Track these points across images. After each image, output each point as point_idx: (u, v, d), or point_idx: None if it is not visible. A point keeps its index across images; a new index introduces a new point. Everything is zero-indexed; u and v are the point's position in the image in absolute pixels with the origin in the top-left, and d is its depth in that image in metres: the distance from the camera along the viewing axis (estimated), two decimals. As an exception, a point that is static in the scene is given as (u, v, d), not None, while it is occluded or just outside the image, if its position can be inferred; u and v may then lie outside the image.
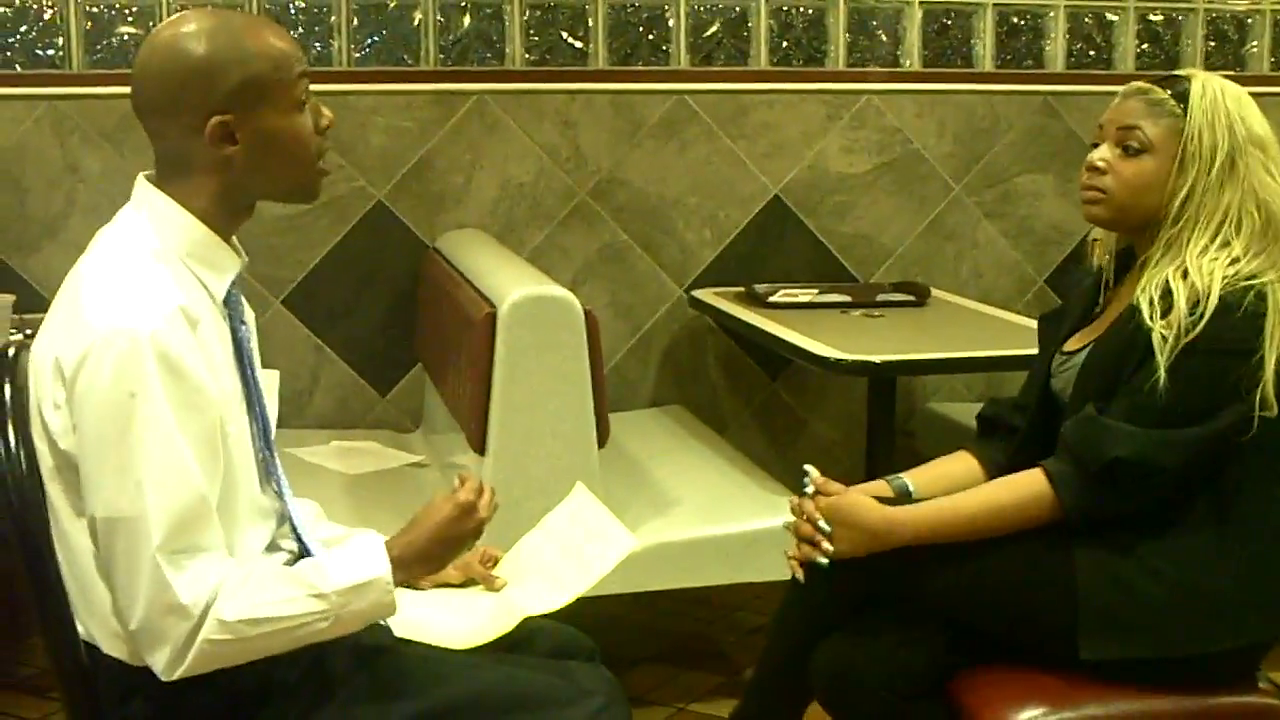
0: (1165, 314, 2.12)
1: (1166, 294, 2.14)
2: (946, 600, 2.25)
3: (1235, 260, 2.14)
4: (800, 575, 2.27)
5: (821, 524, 2.23)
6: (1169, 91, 2.23)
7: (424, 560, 1.95)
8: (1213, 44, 4.61)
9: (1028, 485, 2.20)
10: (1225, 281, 2.12)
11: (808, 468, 2.35)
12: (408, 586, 2.05)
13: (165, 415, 1.73)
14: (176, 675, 1.76)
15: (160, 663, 1.75)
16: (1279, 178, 2.21)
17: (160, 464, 1.73)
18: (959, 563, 2.20)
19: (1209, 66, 4.46)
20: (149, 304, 1.76)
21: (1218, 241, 2.17)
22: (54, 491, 1.82)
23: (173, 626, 1.74)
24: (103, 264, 1.84)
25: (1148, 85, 2.26)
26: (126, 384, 1.72)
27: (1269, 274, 2.14)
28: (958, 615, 2.26)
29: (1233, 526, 2.17)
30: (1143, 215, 2.24)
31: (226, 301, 1.90)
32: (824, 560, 2.22)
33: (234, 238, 1.93)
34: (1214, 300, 2.10)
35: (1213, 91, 2.22)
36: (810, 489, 2.32)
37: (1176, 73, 2.30)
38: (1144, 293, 2.17)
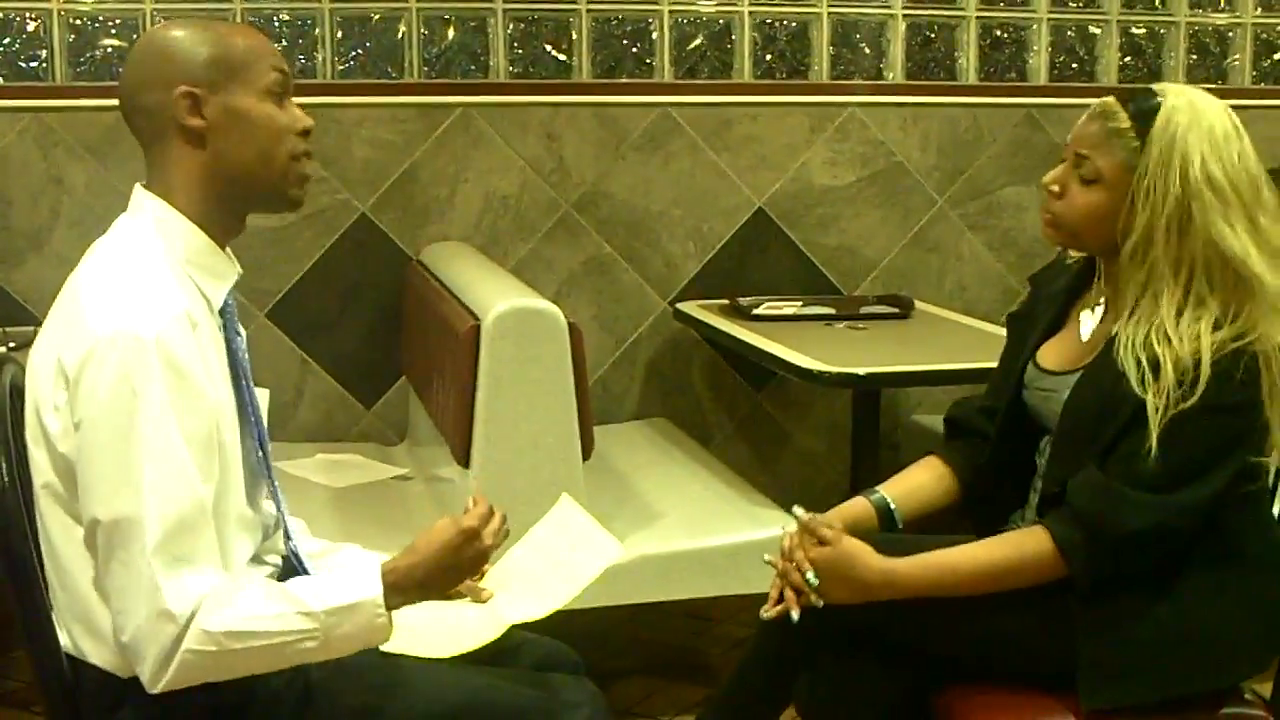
0: (1152, 380, 2.06)
1: (1151, 359, 2.07)
2: (941, 648, 2.22)
3: (1217, 325, 2.07)
4: (774, 614, 2.19)
5: (809, 577, 2.16)
6: (1134, 119, 2.12)
7: (422, 587, 1.87)
8: (1194, 57, 4.62)
9: (1031, 547, 2.14)
10: (1214, 348, 2.05)
11: (796, 510, 2.26)
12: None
13: (167, 417, 1.73)
14: (160, 686, 1.75)
15: (146, 672, 1.74)
16: (1239, 230, 2.08)
17: (160, 467, 1.73)
18: (954, 613, 2.17)
19: (1191, 79, 4.47)
20: (153, 306, 1.77)
21: (1191, 299, 2.08)
22: (46, 502, 1.82)
23: (159, 633, 1.72)
24: (104, 268, 1.85)
25: (1115, 106, 2.16)
26: (129, 384, 1.72)
27: (1253, 333, 2.07)
28: (950, 660, 2.23)
29: (1227, 567, 2.15)
30: (1099, 243, 2.20)
31: (222, 311, 1.91)
32: (795, 615, 2.16)
33: (228, 248, 1.94)
34: (1206, 369, 2.04)
35: (1175, 127, 2.10)
36: (797, 528, 2.22)
37: (1154, 89, 2.18)
38: (1127, 352, 2.10)
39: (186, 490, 1.75)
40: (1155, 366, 2.07)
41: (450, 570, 1.90)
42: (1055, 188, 2.21)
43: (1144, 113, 2.13)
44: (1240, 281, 2.09)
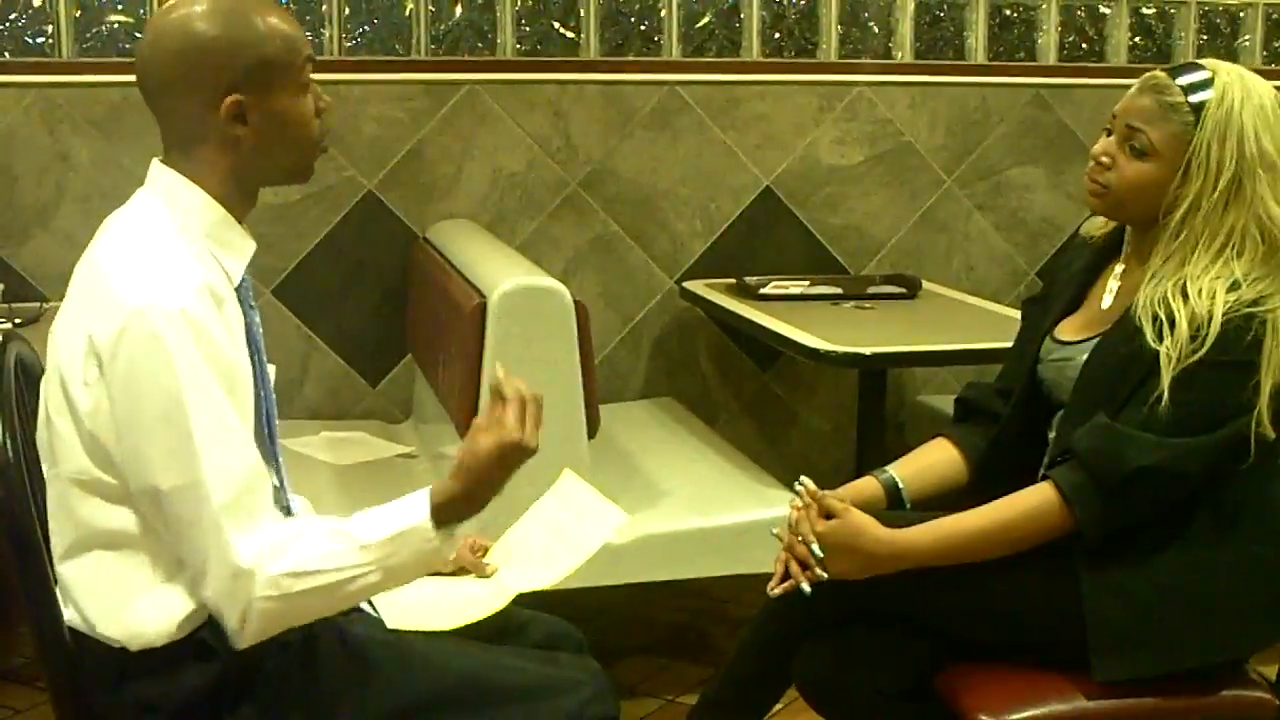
0: (1166, 333, 2.09)
1: (1168, 313, 2.10)
2: (948, 624, 2.22)
3: (1236, 285, 2.10)
4: (780, 591, 2.19)
5: (815, 549, 2.16)
6: (1186, 93, 2.15)
7: (472, 503, 1.87)
8: (1205, 37, 4.61)
9: (1036, 498, 2.15)
10: (1227, 306, 2.08)
11: (802, 480, 2.25)
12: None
13: (210, 384, 1.75)
14: (245, 641, 1.78)
15: (230, 629, 1.78)
16: None
17: (213, 432, 1.74)
18: (962, 587, 2.17)
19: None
20: (179, 279, 1.77)
21: (1219, 263, 2.12)
22: (65, 478, 1.82)
23: (237, 590, 1.75)
24: (125, 242, 1.84)
25: (1166, 81, 2.18)
26: (169, 355, 1.72)
27: (1271, 300, 2.10)
28: (960, 636, 2.23)
29: (1235, 536, 2.15)
30: (1143, 213, 2.21)
31: (239, 287, 1.91)
32: (807, 587, 2.16)
33: (244, 223, 1.93)
34: (1216, 326, 2.07)
35: (1231, 101, 2.13)
36: (802, 501, 2.23)
37: (1203, 65, 2.21)
38: (1145, 310, 2.13)
39: (240, 450, 1.77)
40: (1171, 321, 2.09)
41: (499, 483, 1.90)
42: (1105, 159, 2.22)
43: (1196, 88, 2.15)
44: (1273, 252, 2.13)
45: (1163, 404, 2.07)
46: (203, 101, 1.83)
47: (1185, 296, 2.10)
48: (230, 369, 1.79)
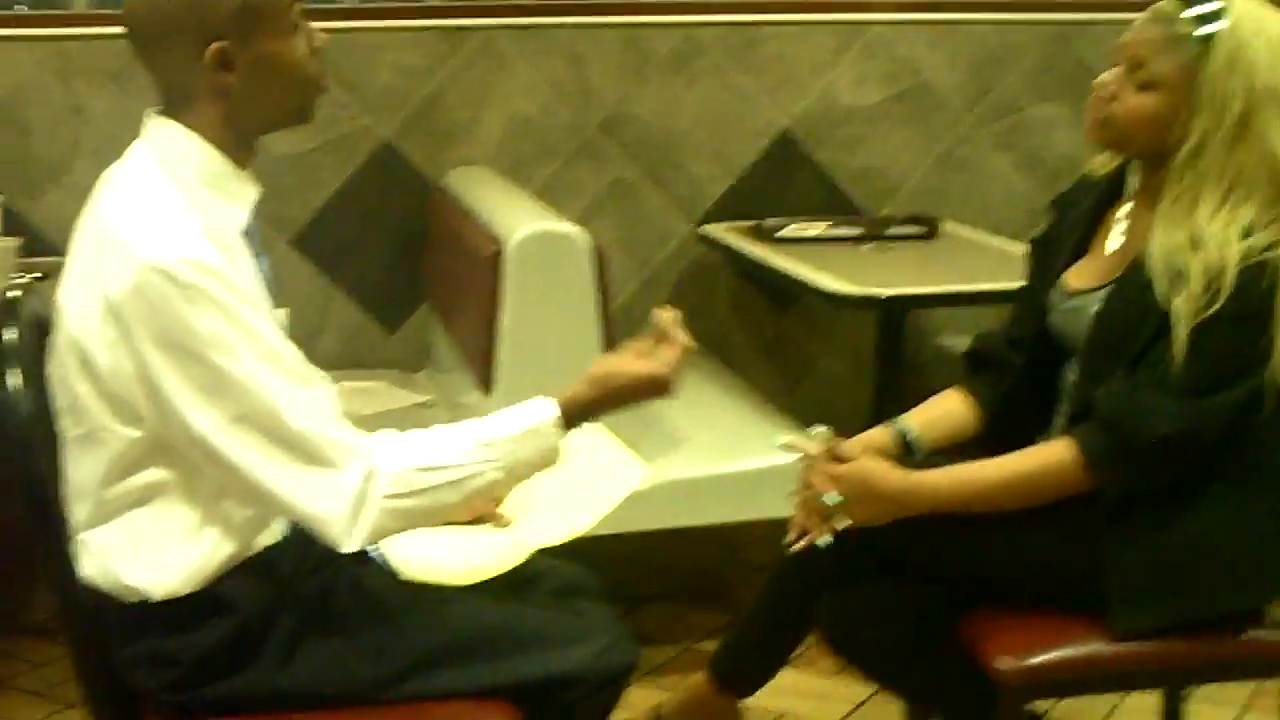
0: (1180, 286, 2.05)
1: (1181, 265, 2.06)
2: (968, 573, 2.22)
3: (1248, 232, 2.05)
4: (799, 547, 2.18)
5: (827, 498, 2.15)
6: (1195, 24, 2.07)
7: (593, 413, 1.96)
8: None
9: (1056, 456, 2.13)
10: (1242, 255, 2.04)
11: (819, 428, 2.24)
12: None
13: (240, 315, 1.75)
14: (357, 541, 1.79)
15: (337, 531, 1.78)
16: None
17: (265, 359, 1.76)
18: (981, 536, 2.15)
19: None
20: (184, 228, 1.77)
21: (1227, 206, 2.07)
22: (89, 430, 1.82)
23: (339, 486, 1.77)
24: (126, 196, 1.84)
25: (1175, 11, 2.09)
26: (190, 303, 1.72)
27: None
28: (981, 585, 2.22)
29: (1256, 485, 2.14)
30: (1148, 148, 2.16)
31: (246, 233, 1.90)
32: (825, 540, 2.15)
33: (248, 170, 1.92)
34: (1230, 275, 2.03)
35: (1243, 33, 2.05)
36: (815, 448, 2.22)
37: None
38: (1155, 261, 2.09)
39: (297, 368, 1.80)
40: (1183, 274, 2.05)
41: (626, 404, 1.96)
42: (1108, 90, 2.16)
43: (1206, 18, 2.08)
44: None
45: (1179, 361, 2.04)
46: (187, 52, 1.81)
47: (1196, 247, 2.05)
48: (253, 302, 1.80)
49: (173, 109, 1.87)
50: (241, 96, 1.84)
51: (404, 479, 1.79)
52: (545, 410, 1.90)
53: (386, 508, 1.78)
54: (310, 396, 1.80)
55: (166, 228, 1.77)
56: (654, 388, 1.95)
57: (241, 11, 1.81)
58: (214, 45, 1.80)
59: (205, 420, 1.75)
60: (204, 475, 1.82)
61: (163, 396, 1.75)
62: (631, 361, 1.96)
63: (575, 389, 1.93)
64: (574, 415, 1.92)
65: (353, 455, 1.78)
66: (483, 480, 1.85)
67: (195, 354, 1.73)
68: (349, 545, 1.79)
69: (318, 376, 1.84)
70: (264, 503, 1.82)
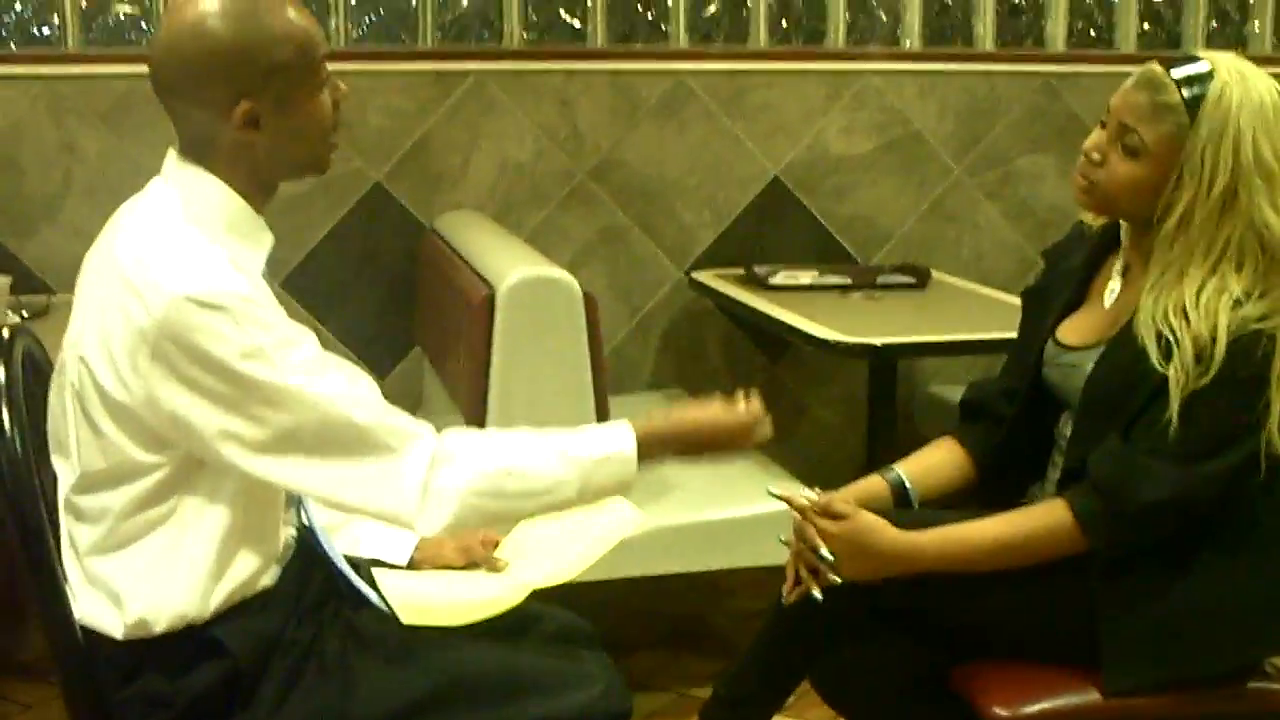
0: (1171, 355, 2.04)
1: (1171, 334, 2.05)
2: (962, 627, 2.21)
3: (1238, 302, 2.04)
4: (794, 598, 2.17)
5: (824, 552, 2.13)
6: (1183, 90, 2.05)
7: (668, 450, 1.96)
8: (1215, 24, 4.59)
9: (1049, 518, 2.12)
10: (1233, 326, 2.03)
11: (810, 493, 2.21)
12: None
13: (288, 336, 1.77)
14: (438, 527, 1.80)
15: (410, 523, 1.80)
16: None
17: (316, 376, 1.77)
18: (975, 591, 2.14)
19: (1210, 46, 4.44)
20: (212, 260, 1.78)
21: (1216, 276, 2.05)
22: (100, 465, 1.81)
23: (413, 470, 1.79)
24: (151, 235, 1.82)
25: (1163, 77, 2.07)
26: (237, 324, 1.73)
27: (1278, 315, 2.05)
28: (975, 639, 2.21)
29: (1249, 546, 2.13)
30: (1135, 213, 2.15)
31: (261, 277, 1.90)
32: (818, 594, 2.13)
33: (262, 214, 1.93)
34: (1221, 349, 2.02)
35: (1229, 102, 2.03)
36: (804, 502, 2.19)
37: (1201, 57, 2.11)
38: (1147, 328, 2.08)
39: (343, 367, 1.82)
40: (1174, 344, 2.04)
41: (701, 454, 1.98)
42: (1095, 155, 2.15)
43: (1194, 85, 2.06)
44: (1274, 265, 2.06)
45: (1173, 428, 2.03)
46: (216, 106, 1.82)
47: (1187, 318, 2.04)
48: (286, 318, 1.81)
49: (195, 153, 1.86)
50: (265, 153, 1.85)
51: (495, 481, 1.82)
52: (625, 439, 1.90)
53: (473, 505, 1.81)
54: (362, 392, 1.82)
55: (195, 262, 1.77)
56: (734, 436, 1.96)
57: (272, 71, 1.81)
58: (243, 105, 1.81)
59: (272, 432, 1.76)
60: (220, 506, 1.82)
61: (210, 421, 1.75)
62: (728, 413, 1.98)
63: (654, 423, 1.94)
64: (650, 448, 1.92)
65: (412, 439, 1.81)
66: (558, 497, 1.87)
67: (262, 369, 1.75)
68: (426, 530, 1.82)
69: (360, 371, 1.86)
70: (335, 507, 1.86)
